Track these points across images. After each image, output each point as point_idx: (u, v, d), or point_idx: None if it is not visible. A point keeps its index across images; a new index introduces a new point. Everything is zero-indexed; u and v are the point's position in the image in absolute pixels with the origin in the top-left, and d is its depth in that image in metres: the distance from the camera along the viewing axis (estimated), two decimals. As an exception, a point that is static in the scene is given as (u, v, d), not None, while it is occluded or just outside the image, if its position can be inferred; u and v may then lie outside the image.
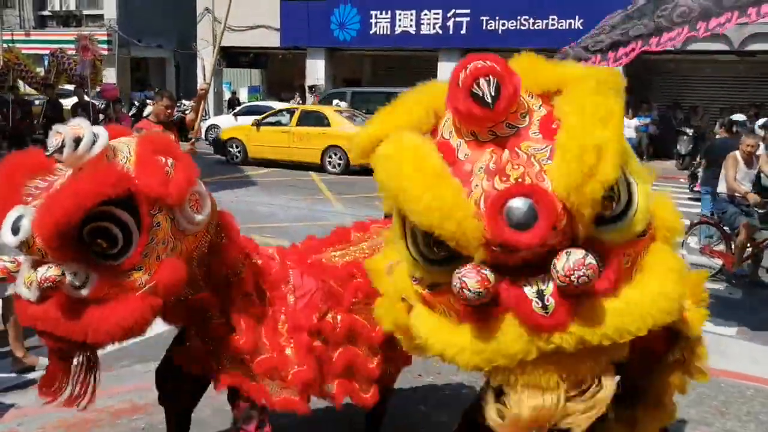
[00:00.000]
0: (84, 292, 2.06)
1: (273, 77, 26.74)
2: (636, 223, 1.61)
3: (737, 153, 7.00)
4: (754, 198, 6.74)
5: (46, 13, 27.90)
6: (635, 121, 18.60)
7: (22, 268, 2.11)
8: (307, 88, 21.96)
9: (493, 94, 1.54)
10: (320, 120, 15.08)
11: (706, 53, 18.26)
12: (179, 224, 2.20)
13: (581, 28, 18.06)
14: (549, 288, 1.53)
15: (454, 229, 1.52)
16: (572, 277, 1.46)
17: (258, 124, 15.71)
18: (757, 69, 19.17)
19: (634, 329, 1.55)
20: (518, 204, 1.48)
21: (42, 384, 2.30)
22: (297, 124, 15.24)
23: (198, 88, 6.47)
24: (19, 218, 2.02)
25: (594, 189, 1.47)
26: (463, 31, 19.66)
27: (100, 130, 2.12)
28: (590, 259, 1.47)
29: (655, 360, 1.73)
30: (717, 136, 9.60)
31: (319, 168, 14.75)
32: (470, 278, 1.51)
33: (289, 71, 25.05)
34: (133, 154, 2.15)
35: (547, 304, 1.52)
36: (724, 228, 7.11)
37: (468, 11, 19.50)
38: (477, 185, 1.57)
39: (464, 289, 1.51)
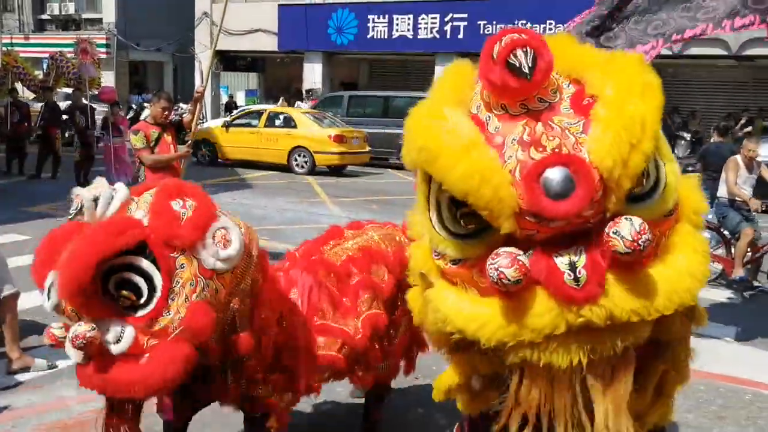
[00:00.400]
0: (121, 347, 2.04)
1: (270, 81, 26.75)
2: (666, 200, 1.62)
3: (738, 157, 7.01)
4: (755, 203, 6.74)
5: (45, 17, 27.92)
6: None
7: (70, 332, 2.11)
8: (304, 92, 21.97)
9: (530, 64, 1.53)
10: (288, 122, 15.60)
11: (704, 58, 18.31)
12: (206, 263, 2.16)
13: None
14: (582, 260, 1.52)
15: (490, 195, 1.50)
16: (640, 241, 1.46)
17: (228, 126, 16.18)
18: (755, 73, 19.23)
19: (661, 307, 1.54)
20: (556, 173, 1.48)
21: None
22: (265, 126, 15.73)
23: (195, 90, 6.45)
24: (50, 286, 2.06)
25: (637, 161, 1.48)
26: (460, 36, 19.69)
27: (119, 186, 2.16)
28: (646, 225, 1.48)
29: (639, 371, 1.70)
30: (711, 140, 9.59)
31: (286, 168, 15.23)
32: (508, 268, 1.49)
33: (287, 75, 25.07)
34: (149, 203, 2.17)
35: (579, 276, 1.51)
36: (724, 233, 7.10)
37: (465, 15, 19.54)
38: (511, 156, 1.55)
39: (503, 280, 1.50)
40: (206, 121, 20.34)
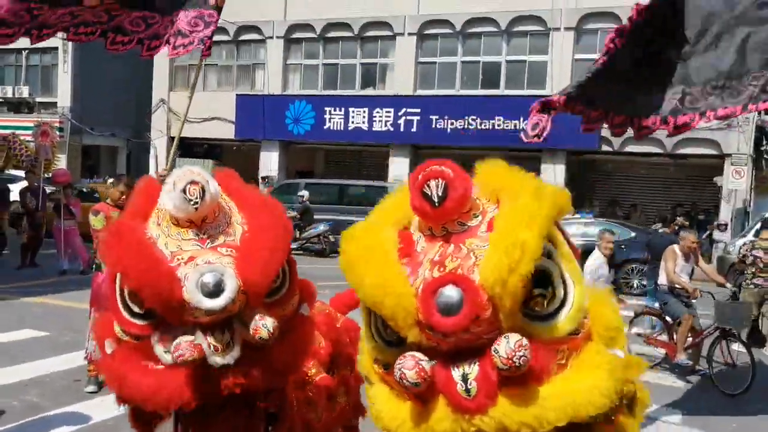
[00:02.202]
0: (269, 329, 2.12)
1: (227, 167, 26.93)
2: (570, 321, 1.73)
3: (676, 247, 7.43)
4: (695, 290, 7.11)
5: (-3, 99, 27.81)
6: (577, 217, 19.34)
7: (186, 339, 2.02)
8: (260, 179, 22.22)
9: (440, 194, 1.72)
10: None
11: (641, 155, 19.43)
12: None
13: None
14: (474, 372, 1.65)
15: (393, 306, 1.67)
16: (514, 359, 1.59)
17: None
18: (688, 171, 20.43)
19: (553, 419, 1.64)
20: (448, 291, 1.63)
21: None
22: None
23: (157, 173, 6.55)
24: (218, 278, 1.99)
25: (515, 281, 1.61)
26: (413, 129, 20.47)
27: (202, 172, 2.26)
28: (526, 342, 1.61)
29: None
30: (659, 230, 10.26)
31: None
32: (409, 370, 1.64)
33: (244, 162, 25.34)
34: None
35: (469, 387, 1.64)
36: (666, 318, 7.42)
37: (418, 110, 20.40)
38: (421, 274, 1.73)
39: (403, 380, 1.65)
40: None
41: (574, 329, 1.73)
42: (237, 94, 22.90)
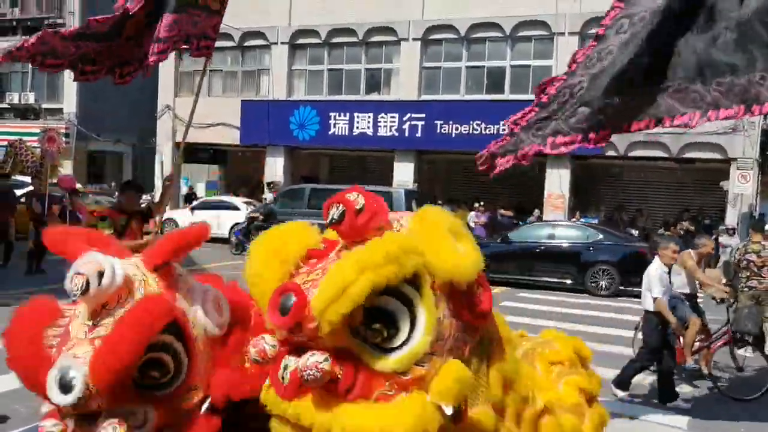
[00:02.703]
0: (146, 430, 2.01)
1: (232, 173, 27.06)
2: (396, 362, 1.91)
3: (692, 252, 7.44)
4: (722, 292, 7.11)
5: (4, 105, 27.98)
6: (581, 222, 19.32)
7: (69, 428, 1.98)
8: (265, 184, 22.26)
9: (335, 218, 2.04)
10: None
11: (647, 159, 19.39)
12: (208, 332, 2.20)
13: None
14: (292, 366, 1.92)
15: (259, 295, 2.07)
16: (304, 373, 1.87)
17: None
18: (694, 175, 20.38)
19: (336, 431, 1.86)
20: (286, 297, 1.92)
21: None
22: None
23: (164, 177, 6.57)
24: (67, 373, 1.91)
25: (331, 315, 1.85)
26: (418, 134, 20.49)
27: (115, 262, 2.10)
28: (326, 365, 1.85)
29: None
30: (658, 232, 10.39)
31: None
32: (254, 348, 1.98)
33: (248, 167, 25.44)
34: (152, 277, 2.15)
35: (284, 376, 1.94)
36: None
37: (423, 116, 20.41)
38: (298, 277, 2.07)
39: (247, 353, 2.04)
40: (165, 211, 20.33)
41: (401, 371, 1.91)
42: (242, 100, 22.98)
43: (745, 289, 8.35)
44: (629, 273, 13.00)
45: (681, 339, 7.20)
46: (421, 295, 1.94)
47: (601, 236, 14.17)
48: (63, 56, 5.13)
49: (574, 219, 19.29)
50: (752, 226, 9.09)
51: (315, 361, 1.86)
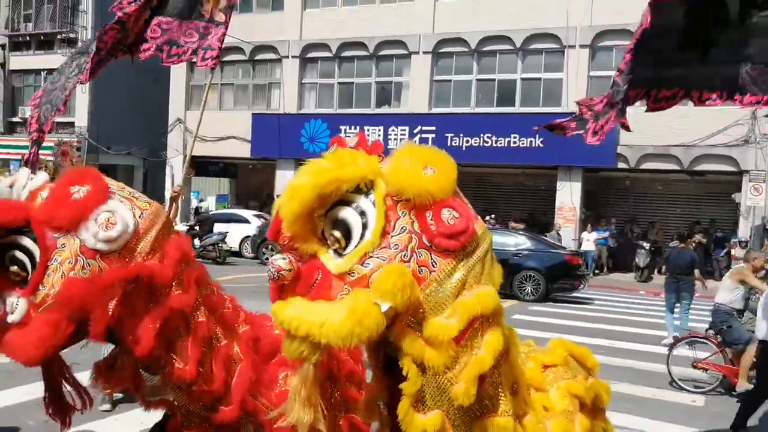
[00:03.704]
0: (14, 317, 2.26)
1: (242, 186, 27.15)
2: (344, 262, 2.05)
3: (745, 266, 7.50)
4: None
5: (16, 119, 28.25)
6: (594, 234, 19.24)
7: None
8: (276, 197, 22.28)
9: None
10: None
11: (658, 172, 19.29)
12: (88, 243, 2.34)
13: (541, 146, 19.04)
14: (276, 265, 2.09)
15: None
16: (268, 270, 2.06)
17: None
18: (706, 188, 20.24)
19: (294, 327, 1.98)
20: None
21: None
22: None
23: (172, 190, 6.56)
24: None
25: (287, 217, 2.06)
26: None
27: (39, 174, 2.43)
28: (281, 263, 2.06)
29: None
30: (671, 245, 10.52)
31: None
32: (270, 265, 2.11)
33: (258, 181, 25.51)
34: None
35: (271, 273, 2.11)
36: (726, 341, 7.25)
37: (433, 128, 20.43)
38: None
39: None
40: (176, 225, 20.43)
41: (346, 270, 2.04)
42: (253, 113, 23.08)
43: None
44: (555, 279, 13.90)
45: (730, 358, 7.10)
46: (374, 205, 2.08)
47: (529, 243, 14.72)
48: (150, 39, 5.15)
49: (586, 231, 19.20)
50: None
51: (274, 259, 2.06)
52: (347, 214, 2.08)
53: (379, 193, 2.08)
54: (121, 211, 2.41)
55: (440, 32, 20.61)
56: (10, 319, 2.25)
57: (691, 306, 10.22)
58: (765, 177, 17.47)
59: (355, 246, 2.05)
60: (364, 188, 2.08)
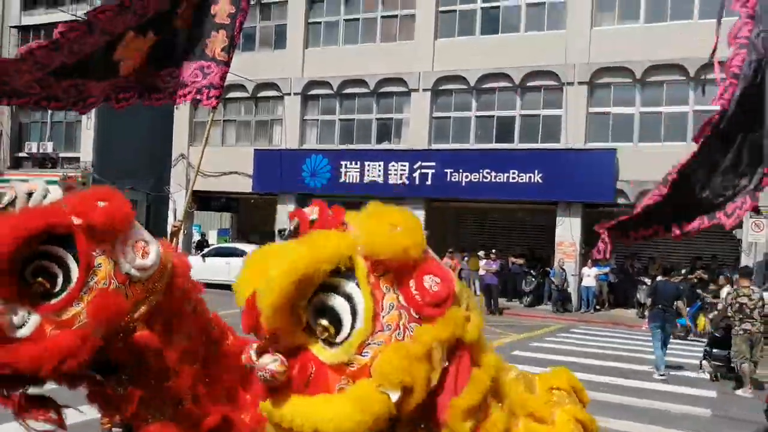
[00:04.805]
0: (22, 332, 2.08)
1: (243, 221, 27.26)
2: (339, 352, 1.96)
3: None
4: None
5: (22, 154, 28.55)
6: (594, 270, 19.21)
7: None
8: (277, 232, 22.37)
9: (291, 229, 2.18)
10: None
11: (657, 208, 19.32)
12: (122, 268, 2.26)
13: (540, 182, 19.16)
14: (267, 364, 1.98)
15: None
16: (258, 374, 1.94)
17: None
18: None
19: (298, 425, 1.90)
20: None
21: None
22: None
23: (171, 225, 6.65)
24: None
25: (266, 310, 1.92)
26: (428, 182, 20.63)
27: (54, 187, 2.28)
28: (273, 366, 1.92)
29: None
30: (658, 278, 11.04)
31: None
32: (260, 371, 1.97)
33: (260, 215, 25.62)
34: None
35: (264, 377, 1.99)
36: None
37: (433, 164, 20.59)
38: None
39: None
40: (176, 258, 20.53)
41: (345, 361, 1.95)
42: (255, 149, 23.31)
43: (741, 332, 9.23)
44: None
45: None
46: (359, 286, 1.98)
47: None
48: (64, 98, 4.98)
49: (586, 267, 19.19)
50: (740, 273, 10.06)
51: (264, 362, 1.93)
52: (333, 300, 1.98)
53: (361, 273, 1.99)
54: (153, 242, 2.39)
55: (439, 70, 20.92)
56: (19, 333, 2.08)
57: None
58: (766, 213, 17.51)
59: (348, 334, 1.96)
60: (343, 268, 1.98)
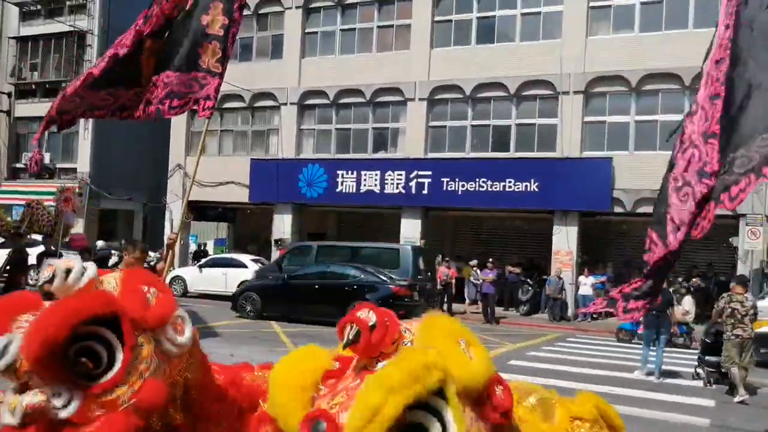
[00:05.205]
0: (66, 413, 2.07)
1: (240, 230, 27.24)
2: None
3: None
4: None
5: (19, 165, 28.55)
6: (591, 279, 19.23)
7: (6, 395, 2.14)
8: (273, 242, 22.37)
9: (350, 338, 2.02)
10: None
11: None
12: (162, 345, 2.28)
13: (537, 191, 19.20)
14: None
15: (282, 424, 2.02)
16: None
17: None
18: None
19: None
20: (318, 424, 1.89)
21: None
22: None
23: (167, 237, 6.67)
24: (6, 345, 2.09)
25: None
26: (424, 191, 20.66)
27: (89, 264, 2.28)
28: None
29: None
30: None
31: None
32: None
33: (257, 225, 25.61)
34: (119, 283, 2.30)
35: None
36: None
37: (429, 173, 20.63)
38: (318, 402, 2.02)
39: None
40: (174, 269, 20.39)
41: None
42: (251, 159, 23.32)
43: (732, 337, 9.48)
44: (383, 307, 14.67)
45: None
46: (449, 404, 1.94)
47: (362, 277, 15.78)
48: (103, 107, 5.36)
49: (583, 276, 19.20)
50: (737, 281, 10.33)
51: None
52: (423, 418, 1.93)
53: (452, 394, 1.95)
54: (187, 318, 2.40)
55: (435, 79, 20.99)
56: (63, 414, 2.07)
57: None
58: (762, 221, 17.56)
59: None
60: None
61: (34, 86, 28.70)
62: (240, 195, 23.38)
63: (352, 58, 22.39)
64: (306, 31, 23.29)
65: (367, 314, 2.06)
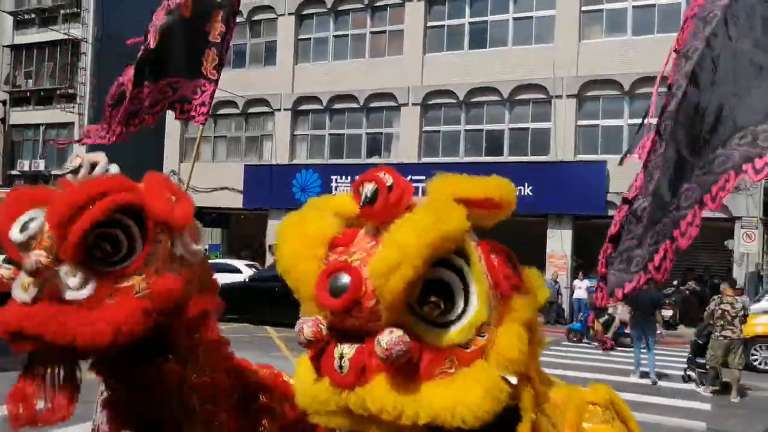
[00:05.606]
0: (81, 294, 2.06)
1: (234, 236, 27.16)
2: (456, 334, 1.77)
3: None
4: None
5: (15, 172, 28.48)
6: (586, 282, 19.17)
7: (21, 274, 2.08)
8: (267, 247, 22.31)
9: (368, 196, 1.83)
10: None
11: (648, 219, 19.39)
12: (177, 249, 2.28)
13: (531, 194, 19.20)
14: (351, 353, 1.74)
15: (297, 276, 1.81)
16: (393, 350, 1.66)
17: None
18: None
19: (411, 414, 1.69)
20: (339, 276, 1.74)
21: (10, 401, 2.13)
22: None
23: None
24: (30, 219, 2.08)
25: (396, 281, 1.68)
26: (418, 196, 20.58)
27: (113, 165, 2.32)
28: (407, 339, 1.68)
29: None
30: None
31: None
32: (307, 326, 1.74)
33: (251, 230, 25.54)
34: (144, 182, 2.33)
35: (342, 365, 1.75)
36: None
37: (423, 177, 20.41)
38: (334, 259, 1.84)
39: (300, 333, 1.74)
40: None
41: (463, 343, 1.77)
42: (245, 164, 23.28)
43: (720, 338, 9.70)
44: None
45: None
46: (469, 263, 1.81)
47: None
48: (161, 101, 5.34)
49: (578, 279, 19.18)
50: (728, 283, 10.61)
51: (398, 336, 1.68)
52: (448, 276, 1.81)
53: (472, 249, 1.85)
54: (202, 230, 2.44)
55: (429, 84, 21.00)
56: (73, 295, 2.05)
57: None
58: (757, 223, 17.59)
59: (461, 312, 1.79)
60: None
61: (28, 94, 28.69)
62: (234, 200, 23.33)
63: (345, 64, 22.40)
64: (299, 37, 23.29)
65: (385, 175, 1.88)
